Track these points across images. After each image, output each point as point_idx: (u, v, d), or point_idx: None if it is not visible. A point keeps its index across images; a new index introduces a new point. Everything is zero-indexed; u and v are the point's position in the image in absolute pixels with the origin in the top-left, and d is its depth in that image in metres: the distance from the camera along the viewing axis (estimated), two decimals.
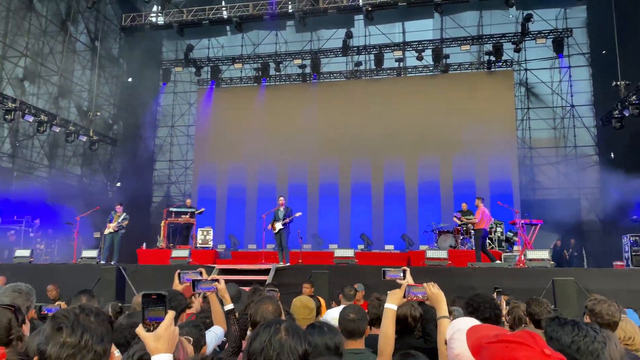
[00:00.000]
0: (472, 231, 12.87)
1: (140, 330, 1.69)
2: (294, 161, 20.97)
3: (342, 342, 2.73)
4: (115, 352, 2.41)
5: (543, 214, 13.97)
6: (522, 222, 11.69)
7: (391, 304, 2.78)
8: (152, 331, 1.69)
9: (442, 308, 2.67)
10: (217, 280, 3.29)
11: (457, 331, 1.85)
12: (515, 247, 14.34)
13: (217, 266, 11.10)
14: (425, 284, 2.79)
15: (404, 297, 2.82)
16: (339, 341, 2.69)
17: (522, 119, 21.22)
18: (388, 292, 2.87)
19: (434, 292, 2.73)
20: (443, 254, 10.77)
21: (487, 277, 9.67)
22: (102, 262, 11.94)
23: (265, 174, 21.21)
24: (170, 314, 1.74)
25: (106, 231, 12.98)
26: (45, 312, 3.68)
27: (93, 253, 11.75)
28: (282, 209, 12.06)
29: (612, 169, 17.97)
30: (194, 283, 3.26)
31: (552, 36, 20.01)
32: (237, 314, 3.26)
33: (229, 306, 3.28)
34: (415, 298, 2.83)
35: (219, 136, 21.92)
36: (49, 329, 1.58)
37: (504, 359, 1.21)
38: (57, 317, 1.59)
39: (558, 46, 19.82)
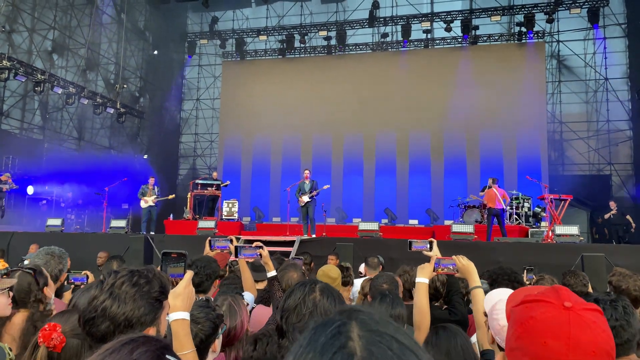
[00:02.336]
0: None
1: None
2: (318, 134, 20.90)
3: (403, 315, 2.79)
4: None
5: (572, 190, 13.67)
6: (551, 197, 11.46)
7: (422, 278, 2.77)
8: (173, 288, 1.69)
9: (474, 279, 2.63)
10: (261, 246, 3.31)
11: (499, 301, 1.81)
12: (543, 223, 14.11)
13: (243, 237, 11.21)
14: (454, 256, 2.75)
15: (434, 270, 2.80)
16: (398, 313, 2.74)
17: (552, 93, 20.67)
18: (418, 267, 2.85)
19: (464, 264, 2.69)
20: (469, 228, 10.66)
21: (514, 251, 9.55)
22: (143, 233, 12.12)
23: (289, 147, 21.21)
24: (189, 273, 1.74)
25: (144, 205, 13.05)
26: (72, 280, 3.75)
27: (122, 223, 11.98)
28: (307, 182, 12.03)
29: None
30: (237, 249, 3.29)
31: (587, 6, 19.26)
32: (279, 281, 3.27)
33: (272, 273, 3.29)
34: (445, 271, 2.80)
35: (244, 109, 21.93)
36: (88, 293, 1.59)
37: (522, 320, 1.17)
38: (103, 276, 1.61)
39: (593, 16, 19.07)
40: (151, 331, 1.56)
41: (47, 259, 3.12)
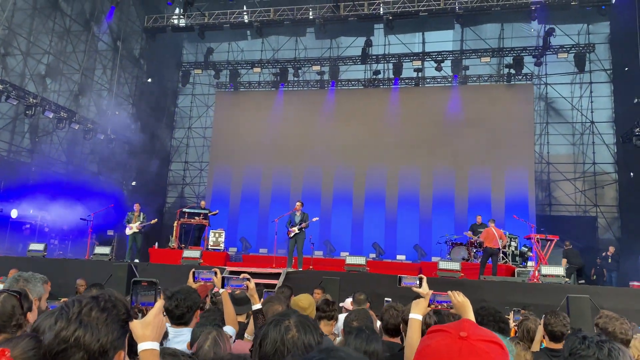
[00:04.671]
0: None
1: None
2: (308, 167, 20.97)
3: (379, 351, 2.70)
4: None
5: (558, 231, 13.76)
6: (538, 236, 11.53)
7: (416, 314, 2.70)
8: (143, 316, 1.66)
9: (469, 317, 2.59)
10: (248, 278, 3.27)
11: None
12: (530, 263, 14.13)
13: (228, 268, 11.08)
14: (450, 292, 2.71)
15: (429, 305, 2.76)
16: (373, 349, 2.66)
17: (540, 134, 21.00)
18: (413, 302, 2.80)
19: (460, 300, 2.65)
20: (456, 265, 10.64)
21: (500, 290, 9.53)
22: (130, 260, 12.09)
23: (279, 178, 21.23)
24: (160, 302, 1.71)
25: (129, 232, 13.13)
26: (50, 309, 3.63)
27: (105, 250, 11.79)
28: (298, 213, 11.98)
29: (632, 187, 17.71)
30: (224, 279, 3.25)
31: (574, 51, 19.83)
32: (263, 314, 3.21)
33: (257, 306, 3.24)
34: (440, 307, 2.77)
35: (235, 139, 22.00)
36: (53, 317, 1.53)
37: (420, 348, 1.22)
38: (62, 306, 1.55)
39: (580, 61, 19.61)
40: (123, 354, 1.53)
41: (12, 283, 3.00)
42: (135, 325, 1.63)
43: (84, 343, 1.45)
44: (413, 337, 2.66)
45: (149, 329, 1.63)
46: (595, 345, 1.82)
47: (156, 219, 14.16)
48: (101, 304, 1.52)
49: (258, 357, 1.67)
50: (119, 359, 1.53)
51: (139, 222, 13.12)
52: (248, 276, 3.31)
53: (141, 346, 1.62)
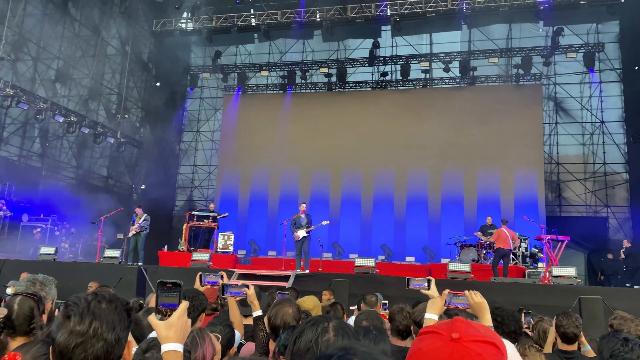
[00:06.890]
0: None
1: (152, 317, 1.66)
2: (316, 169, 20.95)
3: (387, 352, 2.67)
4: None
5: (569, 232, 13.64)
6: (549, 237, 11.44)
7: (432, 314, 2.65)
8: (165, 319, 1.66)
9: (486, 318, 2.55)
10: (246, 285, 3.28)
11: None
12: (540, 264, 14.02)
13: (237, 271, 11.10)
14: (467, 292, 2.67)
15: (445, 305, 2.73)
16: (381, 349, 2.62)
17: (549, 134, 20.85)
18: (428, 301, 2.78)
19: (477, 301, 2.61)
20: (466, 267, 10.58)
21: (511, 292, 9.45)
22: (128, 263, 12.17)
23: (287, 181, 21.23)
24: (184, 304, 1.71)
25: (130, 234, 13.29)
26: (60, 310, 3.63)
27: (116, 253, 11.86)
28: (302, 216, 12.00)
29: None
30: (224, 287, 3.26)
31: (583, 50, 19.67)
32: (265, 321, 3.21)
33: (258, 312, 3.23)
34: (456, 308, 2.74)
35: (243, 142, 22.05)
36: (60, 316, 1.55)
37: (412, 351, 1.17)
38: (68, 304, 1.56)
39: (589, 61, 19.46)
40: (131, 344, 1.60)
41: (28, 286, 3.01)
42: (159, 327, 1.63)
43: (102, 333, 1.48)
44: None
45: (173, 331, 1.63)
46: (639, 348, 1.78)
47: (147, 221, 14.04)
48: (105, 296, 1.57)
49: (291, 354, 1.66)
50: (129, 348, 1.58)
51: (137, 224, 13.28)
52: (247, 283, 3.33)
53: (164, 347, 1.62)
